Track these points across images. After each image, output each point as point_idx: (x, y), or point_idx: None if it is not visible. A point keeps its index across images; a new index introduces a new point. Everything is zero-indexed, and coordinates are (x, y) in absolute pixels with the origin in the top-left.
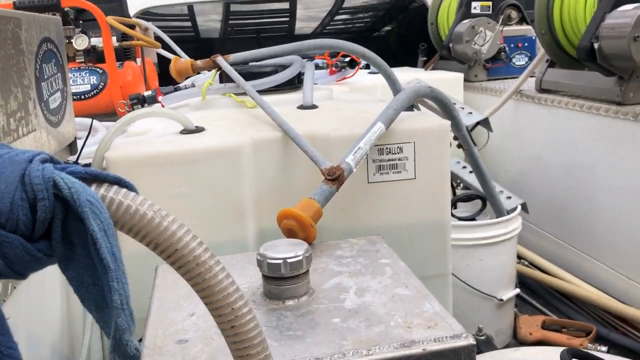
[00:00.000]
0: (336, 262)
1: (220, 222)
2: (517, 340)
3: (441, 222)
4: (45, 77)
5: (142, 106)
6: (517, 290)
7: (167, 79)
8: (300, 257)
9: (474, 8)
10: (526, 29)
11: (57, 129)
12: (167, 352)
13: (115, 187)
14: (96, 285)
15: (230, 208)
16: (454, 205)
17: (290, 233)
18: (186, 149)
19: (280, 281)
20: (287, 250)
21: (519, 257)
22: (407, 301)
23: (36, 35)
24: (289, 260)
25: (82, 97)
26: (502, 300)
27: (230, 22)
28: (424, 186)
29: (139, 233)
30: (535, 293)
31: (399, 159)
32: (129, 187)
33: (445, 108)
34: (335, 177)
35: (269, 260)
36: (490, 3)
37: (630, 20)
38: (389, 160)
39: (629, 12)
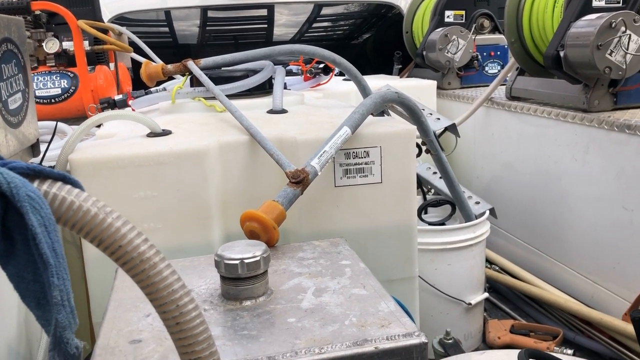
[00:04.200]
0: (297, 264)
1: (186, 225)
2: (486, 344)
3: (407, 226)
4: (5, 77)
5: (113, 109)
6: (486, 295)
7: (141, 84)
8: (257, 258)
9: (447, 17)
10: (499, 38)
11: (18, 129)
12: (120, 352)
13: (59, 184)
14: (37, 282)
15: (196, 211)
16: (424, 210)
17: (252, 235)
18: (151, 152)
19: (238, 282)
20: (245, 250)
21: (490, 262)
22: (364, 301)
23: None
24: (246, 261)
25: (53, 100)
26: (470, 304)
27: (208, 28)
28: (390, 190)
29: (83, 229)
30: (505, 298)
31: (366, 163)
32: (74, 183)
33: (412, 113)
34: (300, 180)
35: (226, 261)
36: (463, 12)
37: (593, 29)
38: (355, 164)
39: (592, 21)
